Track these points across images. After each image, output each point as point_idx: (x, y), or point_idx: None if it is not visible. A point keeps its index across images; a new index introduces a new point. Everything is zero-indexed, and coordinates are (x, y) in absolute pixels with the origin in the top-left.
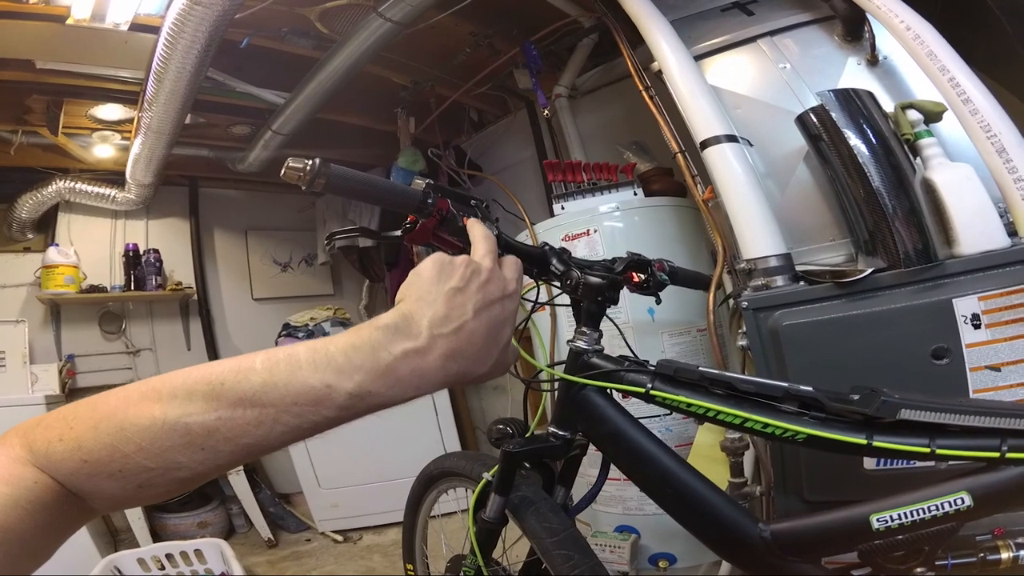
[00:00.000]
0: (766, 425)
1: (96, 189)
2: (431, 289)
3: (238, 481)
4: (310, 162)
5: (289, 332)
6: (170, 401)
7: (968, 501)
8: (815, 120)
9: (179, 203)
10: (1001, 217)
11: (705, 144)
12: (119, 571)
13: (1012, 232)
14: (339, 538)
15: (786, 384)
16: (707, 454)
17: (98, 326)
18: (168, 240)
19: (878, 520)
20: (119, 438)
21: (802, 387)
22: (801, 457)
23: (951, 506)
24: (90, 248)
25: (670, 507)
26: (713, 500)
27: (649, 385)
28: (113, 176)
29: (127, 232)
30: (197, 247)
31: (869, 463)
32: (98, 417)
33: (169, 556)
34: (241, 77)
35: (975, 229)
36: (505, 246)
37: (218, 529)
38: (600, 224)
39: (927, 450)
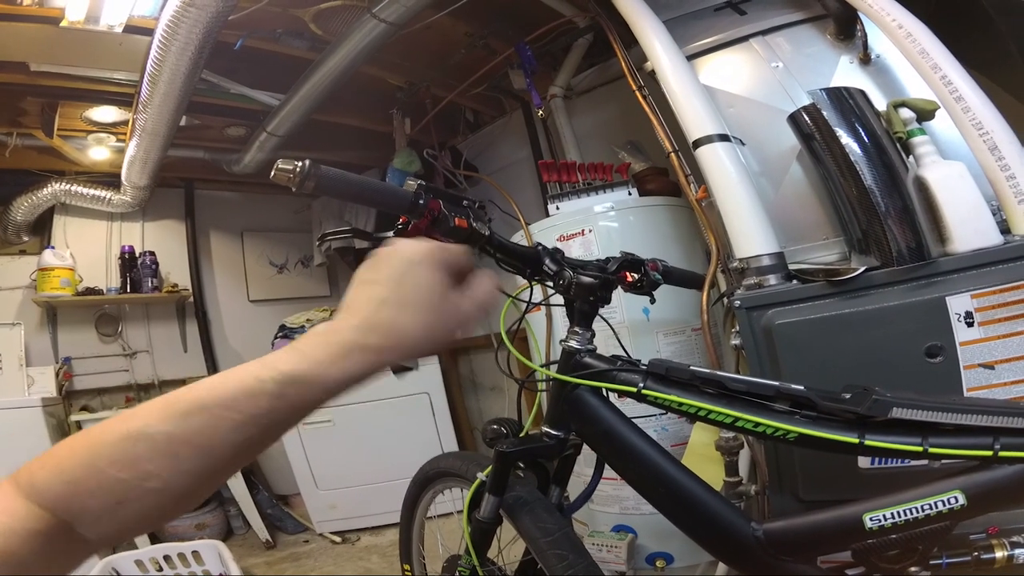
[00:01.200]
0: (757, 424)
1: (91, 191)
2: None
3: (236, 483)
4: (300, 163)
5: (285, 334)
6: (134, 418)
7: (962, 500)
8: (807, 119)
9: (175, 205)
10: (994, 215)
11: (697, 143)
12: (117, 572)
13: (1005, 230)
14: (337, 539)
15: (777, 383)
16: (702, 453)
17: (95, 328)
18: (164, 242)
19: (871, 519)
20: (93, 454)
21: (793, 386)
22: (796, 456)
23: (944, 505)
24: (86, 250)
25: (663, 507)
26: (706, 499)
27: (641, 384)
28: (108, 178)
29: (123, 234)
30: (193, 249)
31: (864, 462)
32: (75, 443)
33: (167, 557)
34: (235, 79)
35: (968, 227)
36: (498, 246)
37: (216, 531)
38: (595, 224)
39: (920, 449)
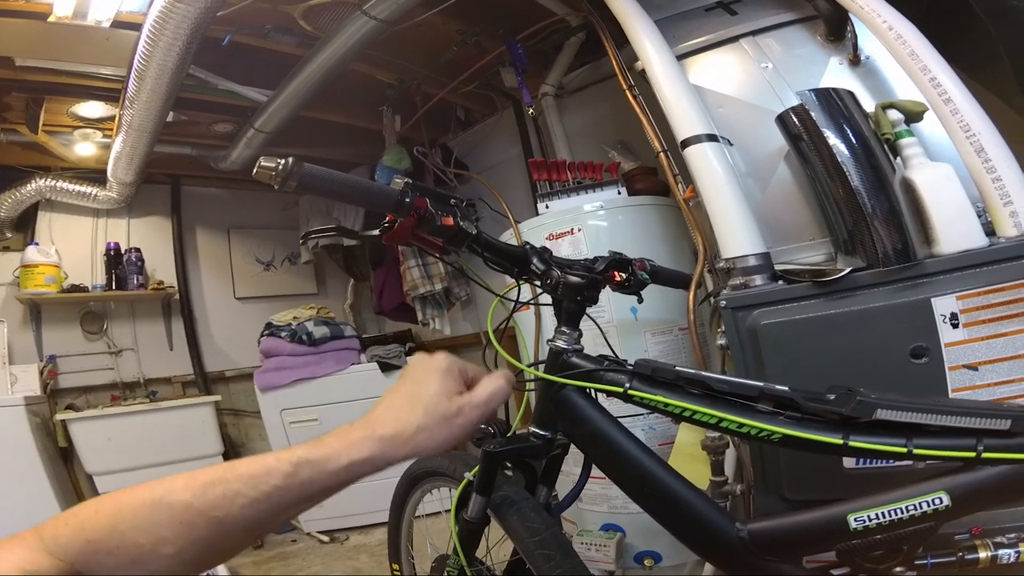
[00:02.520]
0: (741, 425)
1: (77, 187)
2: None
3: None
4: (282, 161)
5: (272, 331)
6: (159, 486)
7: (946, 501)
8: (795, 120)
9: (161, 201)
10: (979, 217)
11: (686, 143)
12: None
13: (990, 232)
14: (325, 538)
15: (761, 384)
16: (689, 452)
17: (80, 326)
18: (150, 239)
19: (856, 519)
20: (117, 518)
21: (777, 387)
22: (781, 456)
23: (929, 506)
24: (71, 247)
25: (649, 507)
26: (690, 500)
27: (627, 384)
28: (94, 174)
29: (108, 231)
30: (179, 246)
31: (848, 462)
32: (101, 504)
33: None
34: (223, 74)
35: (954, 229)
36: (485, 245)
37: None
38: (584, 223)
39: (904, 450)
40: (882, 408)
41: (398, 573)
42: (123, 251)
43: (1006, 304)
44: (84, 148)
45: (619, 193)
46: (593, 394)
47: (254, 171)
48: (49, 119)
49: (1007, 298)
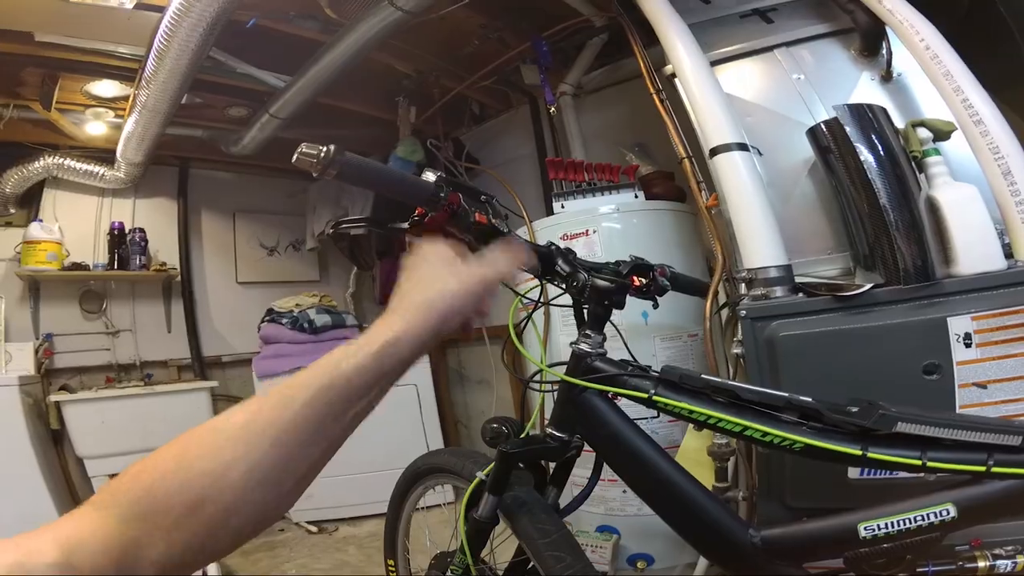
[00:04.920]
0: (765, 434)
1: (85, 166)
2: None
3: None
4: (325, 148)
5: (273, 317)
6: (217, 417)
7: (953, 512)
8: (827, 132)
9: (168, 183)
10: (1000, 238)
11: (715, 151)
12: None
13: (1008, 254)
14: (314, 529)
15: (787, 395)
16: (693, 458)
17: (78, 305)
18: (155, 220)
19: (866, 528)
20: (183, 449)
21: (802, 398)
22: (787, 464)
23: (937, 517)
24: (75, 225)
25: (663, 510)
26: (707, 504)
27: (652, 391)
28: (103, 154)
29: (113, 210)
30: (184, 228)
31: (853, 472)
32: (167, 448)
33: None
34: (242, 57)
35: (974, 250)
36: (505, 238)
37: None
38: (599, 225)
39: (919, 462)
40: (902, 421)
41: (393, 570)
42: (127, 231)
43: (1019, 327)
44: (95, 127)
45: (636, 196)
46: (614, 398)
47: (294, 157)
48: (62, 96)
49: (1021, 321)
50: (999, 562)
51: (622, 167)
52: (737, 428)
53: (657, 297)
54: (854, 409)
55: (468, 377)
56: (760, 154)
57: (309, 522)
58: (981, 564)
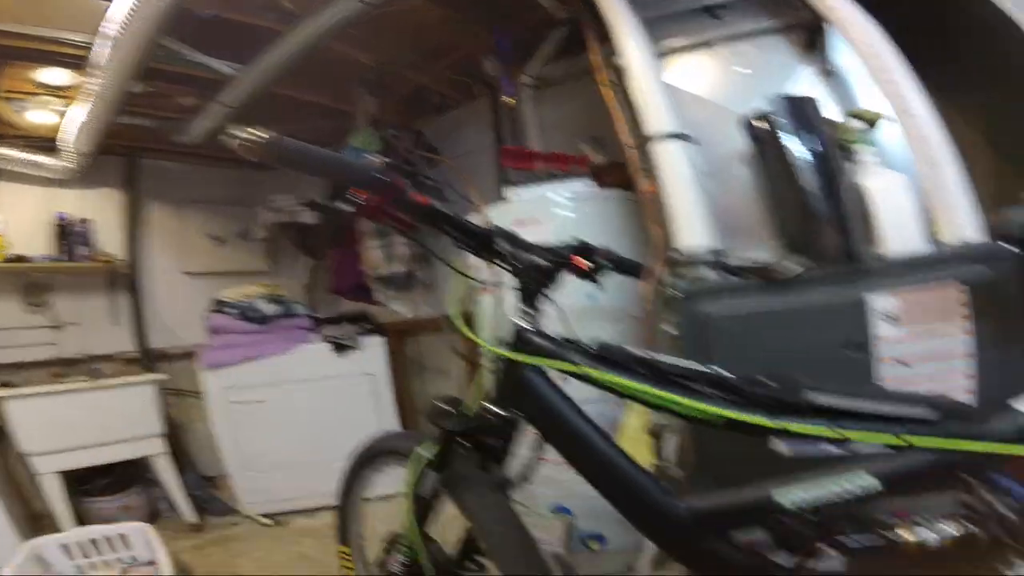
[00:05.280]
0: (685, 407)
1: (29, 156)
2: None
3: (162, 463)
4: (263, 134)
5: (221, 308)
6: None
7: (874, 484)
8: (760, 124)
9: (115, 173)
10: (922, 224)
11: (653, 139)
12: (43, 559)
13: (930, 237)
14: (268, 521)
15: (708, 368)
16: (633, 436)
17: (20, 298)
18: (101, 211)
19: (786, 498)
20: None
21: (723, 372)
22: (717, 440)
23: (858, 488)
24: (18, 217)
25: (600, 485)
26: (637, 478)
27: (581, 363)
28: (47, 143)
29: (59, 201)
30: (131, 219)
31: (783, 446)
32: None
33: (93, 542)
34: (197, 47)
35: (898, 233)
36: (455, 224)
37: (143, 513)
38: (552, 212)
39: (834, 433)
40: (817, 393)
41: (346, 556)
42: (73, 222)
43: (939, 306)
44: (40, 116)
45: (588, 186)
46: (551, 375)
47: (233, 143)
48: (7, 85)
49: (941, 300)
50: (924, 534)
51: (575, 157)
52: (657, 400)
53: (598, 279)
54: (772, 383)
55: (428, 367)
56: (698, 143)
57: (264, 514)
58: (907, 537)
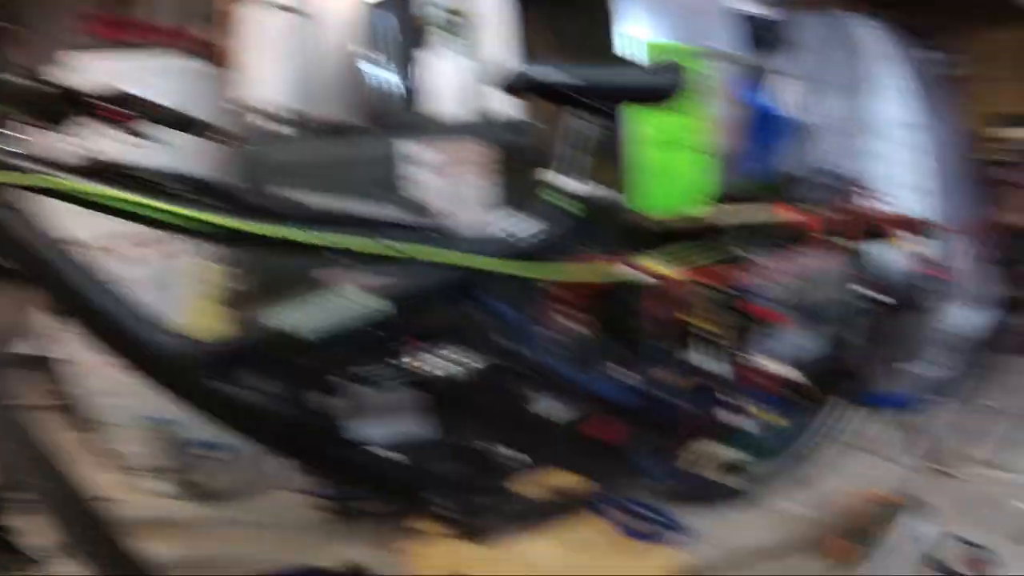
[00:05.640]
0: (180, 216)
1: None
2: None
3: None
4: None
5: None
6: None
7: (385, 306)
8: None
9: None
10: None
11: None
12: None
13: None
14: None
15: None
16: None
17: None
18: None
19: (288, 324)
20: None
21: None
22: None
23: (371, 312)
24: None
25: (83, 322)
26: (140, 325)
27: (64, 178)
28: None
29: None
30: None
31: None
32: None
33: None
34: None
35: (440, 99)
36: None
37: None
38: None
39: (299, 235)
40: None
41: None
42: None
43: (463, 157)
44: None
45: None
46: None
47: None
48: None
49: (455, 152)
50: (431, 360)
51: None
52: (155, 214)
53: (144, 134)
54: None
55: None
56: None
57: None
58: (412, 363)
